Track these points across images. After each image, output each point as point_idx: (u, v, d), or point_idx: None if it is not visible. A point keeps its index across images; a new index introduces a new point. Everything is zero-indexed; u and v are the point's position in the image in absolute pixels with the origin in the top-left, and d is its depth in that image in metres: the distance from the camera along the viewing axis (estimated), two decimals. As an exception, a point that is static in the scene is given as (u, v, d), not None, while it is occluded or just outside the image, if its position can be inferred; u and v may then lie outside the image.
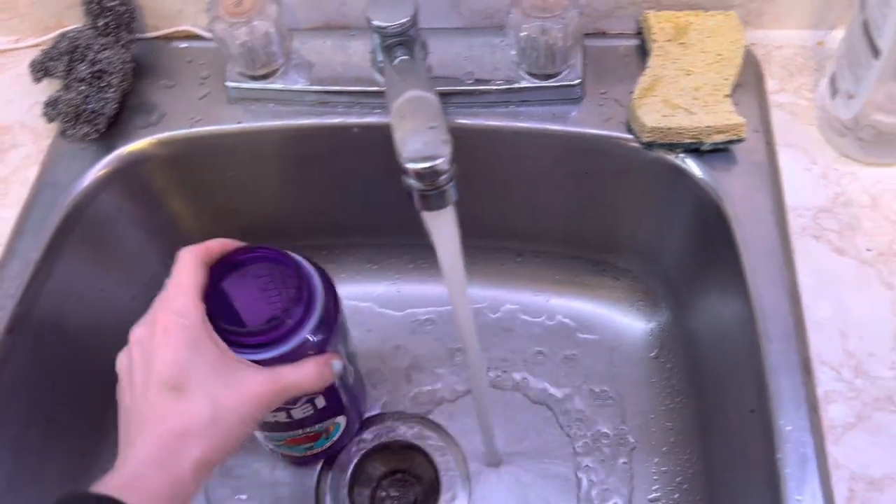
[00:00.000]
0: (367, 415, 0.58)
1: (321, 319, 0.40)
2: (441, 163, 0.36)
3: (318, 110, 0.52)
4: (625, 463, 0.54)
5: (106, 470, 0.34)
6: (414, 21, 0.44)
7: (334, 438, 0.52)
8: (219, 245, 0.40)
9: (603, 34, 0.54)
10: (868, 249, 0.45)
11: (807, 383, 0.40)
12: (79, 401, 0.54)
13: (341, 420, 0.51)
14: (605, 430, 0.56)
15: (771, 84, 0.51)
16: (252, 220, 0.60)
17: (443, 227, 0.38)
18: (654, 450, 0.54)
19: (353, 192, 0.58)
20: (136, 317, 0.57)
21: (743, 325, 0.44)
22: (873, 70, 0.42)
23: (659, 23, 0.51)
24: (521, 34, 0.47)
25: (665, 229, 0.54)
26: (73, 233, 0.51)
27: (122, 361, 0.38)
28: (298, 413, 0.46)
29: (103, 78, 0.51)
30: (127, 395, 0.37)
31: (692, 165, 0.49)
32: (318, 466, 0.56)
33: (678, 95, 0.48)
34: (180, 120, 0.53)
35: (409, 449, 0.58)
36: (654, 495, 0.53)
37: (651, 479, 0.53)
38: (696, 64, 0.49)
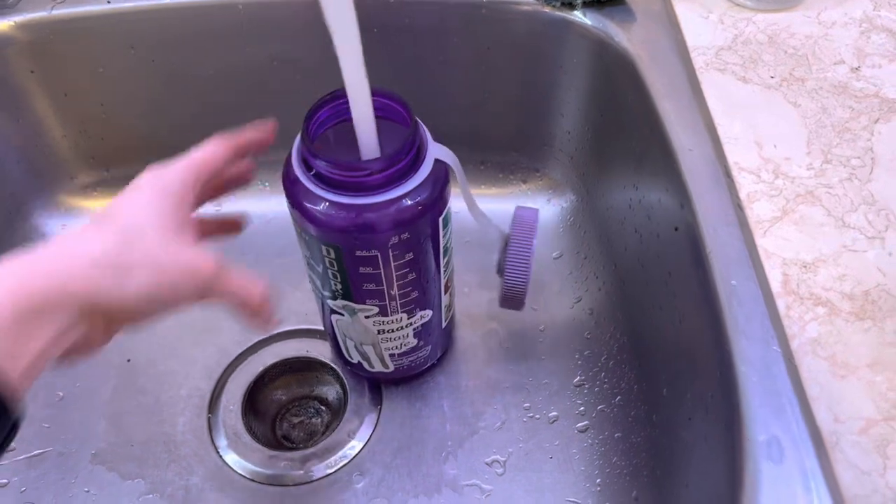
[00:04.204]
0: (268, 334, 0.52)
1: (423, 185, 0.35)
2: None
3: (198, -15, 0.49)
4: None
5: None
6: None
7: None
8: (258, 132, 0.35)
9: None
10: (771, 77, 0.44)
11: (730, 186, 0.38)
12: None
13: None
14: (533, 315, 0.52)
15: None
16: (128, 131, 0.55)
17: (339, 10, 0.34)
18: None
19: (242, 89, 0.54)
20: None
21: (660, 155, 0.42)
22: None
23: None
24: None
25: (569, 105, 0.52)
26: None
27: None
28: None
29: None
30: None
31: (593, 20, 0.47)
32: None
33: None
34: (42, 2, 0.49)
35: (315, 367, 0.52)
36: (579, 379, 0.49)
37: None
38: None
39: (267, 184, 0.59)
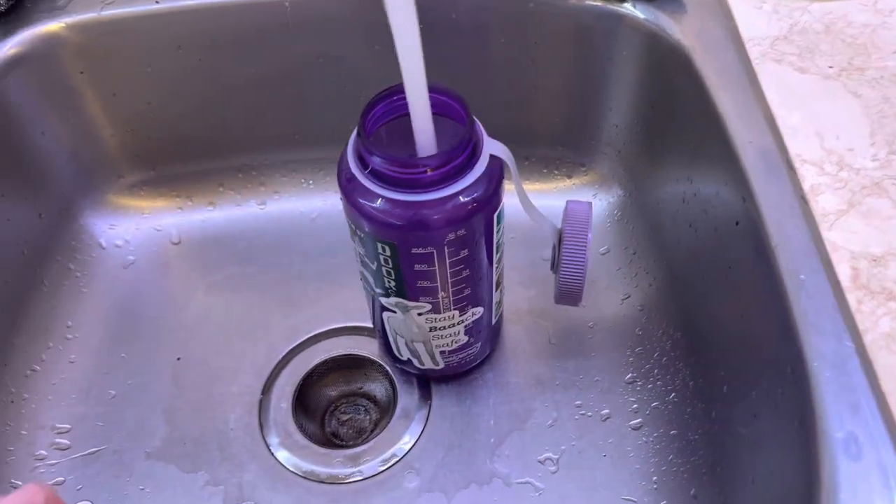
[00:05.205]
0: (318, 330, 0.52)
1: (478, 181, 0.35)
2: None
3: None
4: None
5: None
6: None
7: None
8: None
9: None
10: (830, 67, 0.43)
11: (792, 178, 0.38)
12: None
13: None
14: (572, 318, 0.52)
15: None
16: (174, 131, 0.55)
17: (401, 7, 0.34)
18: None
19: (288, 87, 0.54)
20: (42, 235, 0.51)
21: (717, 148, 0.41)
22: None
23: None
24: None
25: (617, 98, 0.52)
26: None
27: None
28: None
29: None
30: None
31: (644, 12, 0.47)
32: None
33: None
34: (91, 2, 0.49)
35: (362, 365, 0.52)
36: (630, 376, 0.49)
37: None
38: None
39: (311, 182, 0.59)
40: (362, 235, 0.38)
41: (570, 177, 0.57)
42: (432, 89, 0.35)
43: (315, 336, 0.52)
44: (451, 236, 0.37)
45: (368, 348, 0.51)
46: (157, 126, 0.54)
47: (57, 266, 0.53)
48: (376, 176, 0.35)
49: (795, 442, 0.32)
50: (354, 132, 0.36)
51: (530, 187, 0.57)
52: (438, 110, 0.37)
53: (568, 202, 0.43)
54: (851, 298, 0.33)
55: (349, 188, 0.37)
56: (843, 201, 0.37)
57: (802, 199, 0.37)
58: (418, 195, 0.35)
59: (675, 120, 0.47)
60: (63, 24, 0.48)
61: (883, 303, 0.33)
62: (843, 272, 0.34)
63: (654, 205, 0.51)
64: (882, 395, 0.30)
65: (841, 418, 0.30)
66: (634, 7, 0.47)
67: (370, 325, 0.50)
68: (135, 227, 0.57)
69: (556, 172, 0.58)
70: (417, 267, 0.38)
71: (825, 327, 0.32)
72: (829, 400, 0.30)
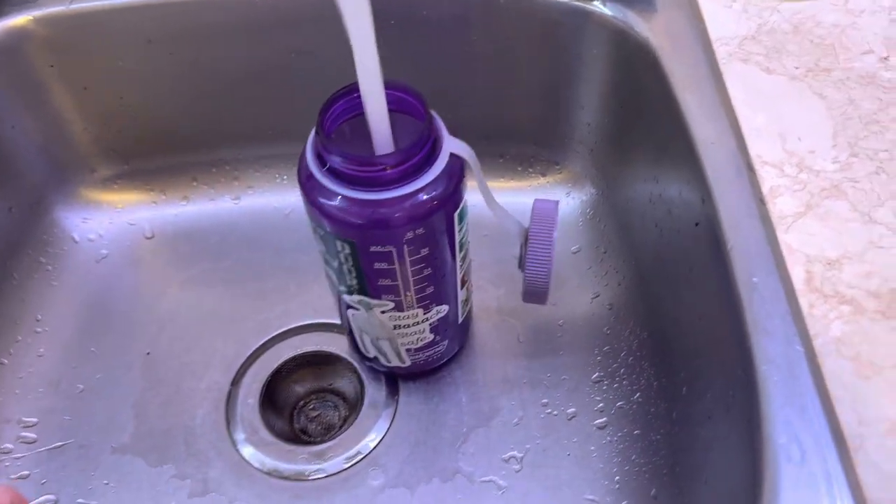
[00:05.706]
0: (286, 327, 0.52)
1: (438, 179, 0.35)
2: None
3: (215, -22, 0.49)
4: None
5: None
6: None
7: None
8: None
9: None
10: (796, 67, 0.43)
11: (752, 180, 0.38)
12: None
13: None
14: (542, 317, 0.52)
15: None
16: (147, 125, 0.55)
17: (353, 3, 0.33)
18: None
19: (260, 81, 0.53)
20: (13, 230, 0.51)
21: (681, 148, 0.41)
22: None
23: None
24: None
25: (588, 96, 0.52)
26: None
27: None
28: None
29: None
30: None
31: (613, 10, 0.47)
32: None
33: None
34: (61, -5, 0.49)
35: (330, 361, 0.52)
36: (596, 374, 0.49)
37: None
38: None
39: (285, 178, 0.59)
40: (322, 234, 0.38)
41: (543, 175, 0.57)
42: (389, 86, 0.35)
43: (285, 332, 0.52)
44: (411, 235, 0.37)
45: (337, 345, 0.51)
46: (129, 120, 0.54)
47: (27, 259, 0.53)
48: (334, 174, 0.35)
49: (743, 445, 0.32)
50: (314, 130, 0.36)
51: (504, 185, 0.57)
52: (397, 107, 0.37)
53: (535, 201, 0.43)
54: (804, 302, 0.33)
55: (308, 186, 0.37)
56: (801, 203, 0.37)
57: (761, 202, 0.37)
58: (376, 193, 0.35)
59: (643, 119, 0.47)
60: (31, 18, 0.48)
61: (835, 307, 0.33)
62: (797, 275, 0.34)
63: (624, 204, 0.51)
64: (828, 399, 0.30)
65: (786, 422, 0.30)
66: (604, 5, 0.47)
67: (339, 321, 0.50)
68: (108, 221, 0.57)
69: (530, 170, 0.58)
70: (377, 265, 0.38)
71: (776, 330, 0.32)
72: (775, 403, 0.30)
